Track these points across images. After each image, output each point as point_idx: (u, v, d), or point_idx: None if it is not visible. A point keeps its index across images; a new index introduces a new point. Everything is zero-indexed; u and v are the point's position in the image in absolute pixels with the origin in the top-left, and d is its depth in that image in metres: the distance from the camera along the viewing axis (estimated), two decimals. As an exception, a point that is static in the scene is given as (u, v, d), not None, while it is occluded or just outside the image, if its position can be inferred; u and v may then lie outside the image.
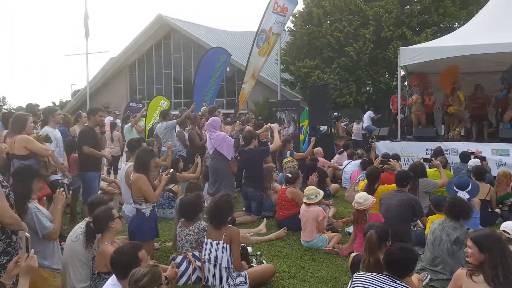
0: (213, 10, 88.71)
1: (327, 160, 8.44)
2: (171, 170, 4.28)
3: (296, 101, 12.22)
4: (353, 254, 3.41)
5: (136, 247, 2.42)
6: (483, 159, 6.71)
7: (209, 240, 3.30)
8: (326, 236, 4.39)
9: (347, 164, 7.70)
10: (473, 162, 6.15)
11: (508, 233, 3.41)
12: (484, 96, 9.30)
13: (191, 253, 3.44)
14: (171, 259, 3.50)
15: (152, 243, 3.95)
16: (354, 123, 12.67)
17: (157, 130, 7.16)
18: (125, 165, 4.91)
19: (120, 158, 8.94)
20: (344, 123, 13.41)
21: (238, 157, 6.15)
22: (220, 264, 3.20)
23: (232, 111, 12.85)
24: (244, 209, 5.68)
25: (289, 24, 18.14)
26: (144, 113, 9.41)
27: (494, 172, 6.57)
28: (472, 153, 6.95)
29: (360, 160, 7.15)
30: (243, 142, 5.78)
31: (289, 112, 10.76)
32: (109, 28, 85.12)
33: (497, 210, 5.36)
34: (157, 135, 7.06)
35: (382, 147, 8.64)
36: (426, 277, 3.38)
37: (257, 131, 6.56)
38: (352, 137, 12.11)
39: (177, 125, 7.22)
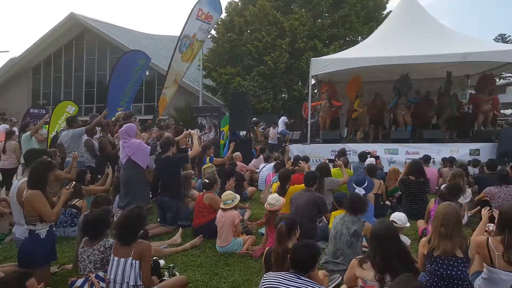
0: (134, 13, 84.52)
1: (246, 164, 8.61)
2: (73, 183, 3.82)
3: (218, 107, 12.29)
4: (266, 249, 3.50)
5: (22, 276, 2.14)
6: (377, 158, 7.49)
7: (116, 258, 3.01)
8: (241, 240, 4.38)
9: (263, 167, 7.94)
10: (369, 161, 6.84)
11: (396, 223, 3.87)
12: (381, 102, 10.39)
13: (94, 274, 3.10)
14: (70, 283, 3.11)
15: (47, 268, 3.56)
16: (271, 127, 13.12)
17: (61, 139, 6.51)
18: (18, 181, 4.32)
19: (16, 172, 7.77)
20: (262, 127, 13.83)
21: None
22: (128, 283, 2.95)
23: (151, 117, 12.40)
24: (158, 220, 5.40)
25: (212, 31, 18.26)
26: (48, 119, 8.31)
27: (386, 169, 7.39)
28: (369, 153, 7.67)
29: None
30: (160, 150, 5.60)
31: (210, 117, 10.78)
32: (11, 26, 75.68)
33: (387, 202, 5.99)
34: (61, 144, 6.43)
35: (295, 150, 9.14)
36: (337, 279, 3.44)
37: (176, 138, 6.46)
38: (269, 141, 12.51)
39: (85, 133, 6.61)
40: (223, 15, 19.05)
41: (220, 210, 4.52)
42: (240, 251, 4.29)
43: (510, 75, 42.93)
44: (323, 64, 9.12)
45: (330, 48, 17.39)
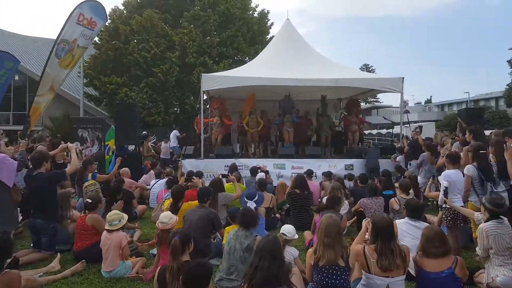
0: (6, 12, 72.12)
1: (135, 181, 8.05)
2: None
3: (102, 118, 11.24)
4: (158, 268, 3.25)
5: None
6: (267, 172, 7.84)
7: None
8: (129, 263, 4.08)
9: (154, 184, 7.54)
10: (260, 175, 7.10)
11: (286, 235, 4.02)
12: (267, 120, 11.03)
13: None
14: None
15: None
16: (162, 142, 12.65)
17: None
18: None
19: None
20: (152, 141, 13.20)
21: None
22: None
23: (21, 127, 10.66)
24: (31, 245, 4.78)
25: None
26: None
27: (276, 183, 7.79)
28: (259, 168, 7.99)
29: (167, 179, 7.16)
30: (31, 165, 4.82)
31: (93, 130, 9.81)
32: None
33: (277, 215, 6.28)
34: None
35: (188, 165, 8.98)
36: None
37: (51, 152, 5.67)
38: (161, 156, 12.06)
39: None
40: (107, 21, 18.04)
41: (105, 232, 4.14)
42: (129, 275, 3.98)
43: (374, 100, 51.10)
44: (214, 80, 9.28)
45: (220, 65, 17.80)
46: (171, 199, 5.03)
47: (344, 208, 5.84)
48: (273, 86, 9.75)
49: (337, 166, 9.33)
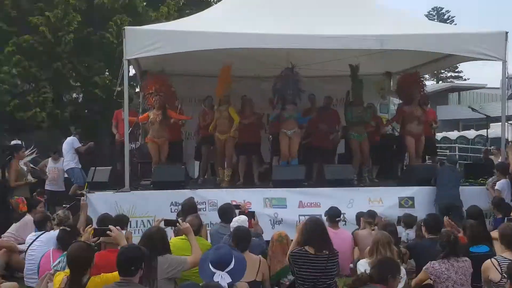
0: None
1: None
2: None
3: None
4: None
5: None
6: (252, 215, 7.86)
7: None
8: None
9: (33, 241, 7.51)
10: (239, 221, 7.11)
11: None
12: (252, 113, 11.20)
13: None
14: None
15: None
16: (49, 159, 12.61)
17: None
18: None
19: None
20: (29, 158, 13.10)
21: None
22: None
23: None
24: None
25: None
26: None
27: (269, 235, 7.81)
28: (237, 206, 7.99)
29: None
30: None
31: None
32: None
33: (272, 296, 6.31)
34: None
35: (100, 203, 9.12)
36: None
37: None
38: (46, 186, 12.29)
39: None
40: None
41: None
42: None
43: (453, 76, 51.59)
44: (150, 40, 9.39)
45: (161, 11, 17.85)
46: (67, 270, 5.03)
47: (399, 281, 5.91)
48: (263, 52, 9.98)
49: (385, 201, 9.60)
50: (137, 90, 12.24)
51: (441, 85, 47.71)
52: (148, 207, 9.24)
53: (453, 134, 28.83)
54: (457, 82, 50.16)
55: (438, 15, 54.36)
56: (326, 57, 10.74)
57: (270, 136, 11.90)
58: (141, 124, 11.57)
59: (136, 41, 9.39)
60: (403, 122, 11.35)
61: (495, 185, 9.27)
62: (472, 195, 9.24)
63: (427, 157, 11.76)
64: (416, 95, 11.15)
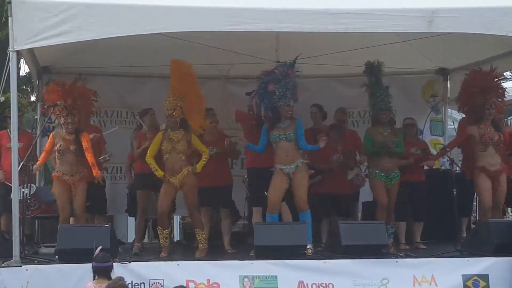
0: None
1: None
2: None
3: None
4: None
5: None
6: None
7: None
8: None
9: None
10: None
11: None
12: (220, 137, 11.44)
13: None
14: None
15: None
16: None
17: None
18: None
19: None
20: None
21: None
22: None
23: None
24: None
25: None
26: None
27: None
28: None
29: None
30: None
31: None
32: None
33: None
34: None
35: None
36: None
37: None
38: None
39: None
40: None
41: None
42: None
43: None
44: (54, 18, 9.27)
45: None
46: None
47: None
48: (239, 38, 10.20)
49: (441, 280, 9.51)
50: (33, 99, 12.05)
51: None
52: None
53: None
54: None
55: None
56: (338, 46, 10.62)
57: (246, 176, 11.89)
58: (39, 154, 11.47)
59: (30, 22, 9.25)
60: (469, 151, 11.28)
61: None
62: None
63: (509, 209, 11.57)
64: (491, 107, 11.13)
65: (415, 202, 11.83)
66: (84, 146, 10.65)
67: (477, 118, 11.18)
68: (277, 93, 10.55)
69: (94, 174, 10.68)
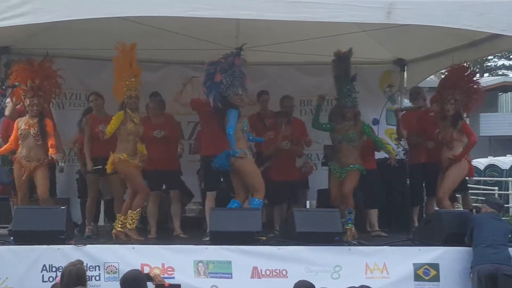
0: None
1: None
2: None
3: None
4: None
5: None
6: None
7: None
8: None
9: None
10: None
11: None
12: (162, 113, 11.67)
13: None
14: None
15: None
16: None
17: None
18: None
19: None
20: None
21: None
22: None
23: None
24: None
25: None
26: None
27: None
28: (150, 277, 8.13)
29: None
30: None
31: None
32: None
33: None
34: None
35: None
36: None
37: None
38: None
39: None
40: None
41: None
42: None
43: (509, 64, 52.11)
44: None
45: None
46: None
47: None
48: (198, 23, 10.16)
49: (393, 269, 9.73)
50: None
51: (487, 80, 47.03)
52: (4, 272, 9.18)
53: (504, 161, 28.76)
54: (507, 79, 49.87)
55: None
56: (298, 34, 10.65)
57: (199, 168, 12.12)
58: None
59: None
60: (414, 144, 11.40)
61: None
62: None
63: (457, 196, 11.68)
64: (449, 102, 11.29)
65: (367, 189, 11.92)
66: (48, 132, 10.64)
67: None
68: (224, 82, 10.65)
69: (49, 153, 10.55)
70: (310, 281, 7.70)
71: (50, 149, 10.54)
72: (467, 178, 12.38)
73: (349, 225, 11.06)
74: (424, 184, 12.56)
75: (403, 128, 12.41)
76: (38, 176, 10.64)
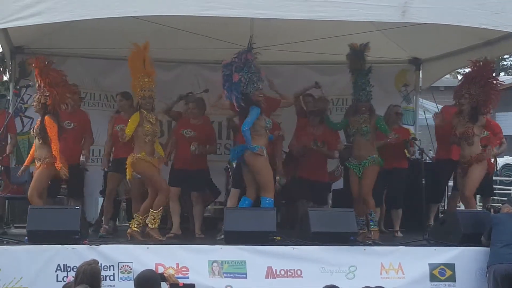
0: None
1: None
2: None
3: None
4: None
5: None
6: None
7: None
8: None
9: None
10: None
11: None
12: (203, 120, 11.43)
13: None
14: None
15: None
16: None
17: None
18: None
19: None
20: None
21: None
22: None
23: None
24: None
25: None
26: None
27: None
28: (164, 277, 8.08)
29: None
30: None
31: None
32: None
33: None
34: None
35: None
36: None
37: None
38: None
39: None
40: None
41: None
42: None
43: None
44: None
45: None
46: None
47: None
48: (213, 22, 10.09)
49: (408, 269, 9.70)
50: (5, 78, 11.98)
51: (503, 79, 46.36)
52: (19, 272, 9.19)
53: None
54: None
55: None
56: (313, 33, 10.61)
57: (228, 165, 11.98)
58: (10, 134, 11.45)
59: (4, 1, 9.17)
60: (442, 139, 11.38)
61: None
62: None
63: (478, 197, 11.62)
64: (463, 96, 11.26)
65: (394, 188, 12.01)
66: (49, 135, 10.51)
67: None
68: (243, 80, 10.61)
69: (56, 167, 10.48)
70: (327, 282, 7.67)
71: (55, 162, 10.51)
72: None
73: (372, 226, 11.08)
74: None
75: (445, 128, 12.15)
76: (34, 175, 10.64)
